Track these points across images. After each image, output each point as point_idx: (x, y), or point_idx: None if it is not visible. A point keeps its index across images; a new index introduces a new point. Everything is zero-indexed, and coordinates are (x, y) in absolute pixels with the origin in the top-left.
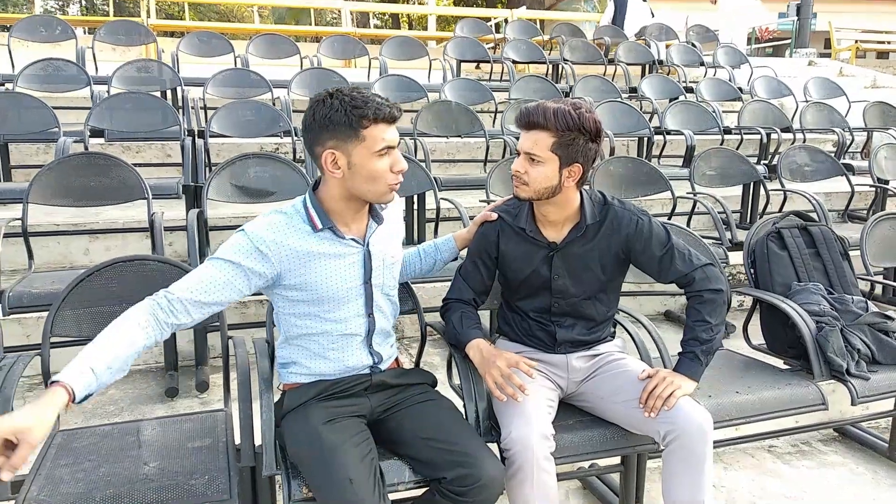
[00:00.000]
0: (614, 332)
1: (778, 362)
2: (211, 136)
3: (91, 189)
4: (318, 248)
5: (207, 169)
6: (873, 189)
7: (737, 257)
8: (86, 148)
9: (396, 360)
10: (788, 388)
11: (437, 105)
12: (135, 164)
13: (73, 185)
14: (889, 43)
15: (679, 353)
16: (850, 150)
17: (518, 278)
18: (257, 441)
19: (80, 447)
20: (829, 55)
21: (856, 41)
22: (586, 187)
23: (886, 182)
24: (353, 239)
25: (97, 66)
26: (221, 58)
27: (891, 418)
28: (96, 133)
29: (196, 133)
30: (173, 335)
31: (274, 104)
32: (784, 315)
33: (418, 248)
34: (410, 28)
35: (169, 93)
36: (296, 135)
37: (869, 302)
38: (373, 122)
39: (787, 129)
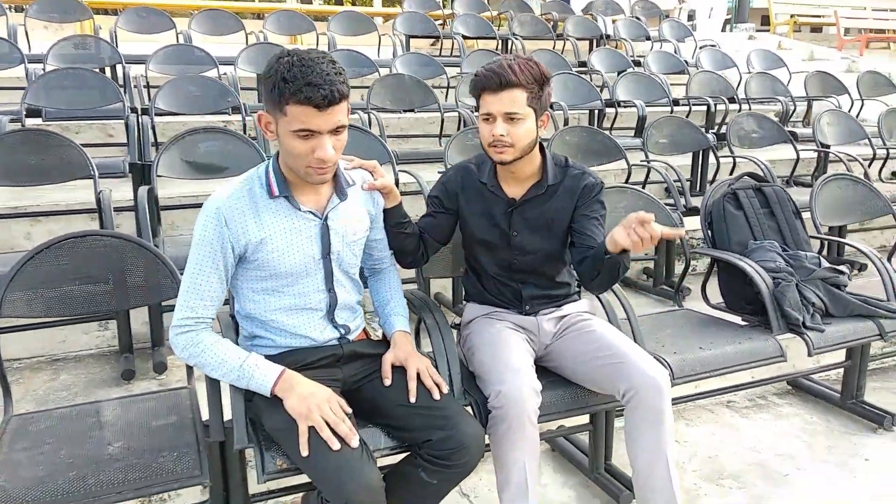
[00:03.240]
0: (580, 291)
1: (736, 319)
2: (156, 115)
3: (31, 168)
4: (274, 220)
5: (154, 147)
6: (815, 156)
7: (690, 223)
8: (23, 127)
9: (364, 331)
10: (749, 342)
11: (389, 78)
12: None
13: (11, 165)
14: (823, 17)
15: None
16: (791, 119)
17: (478, 234)
18: (226, 416)
19: (37, 430)
20: (766, 30)
21: (792, 16)
22: (548, 148)
23: (828, 147)
24: (310, 211)
25: (30, 44)
26: (162, 34)
27: (842, 369)
28: (33, 113)
29: (140, 111)
30: (127, 316)
31: (220, 80)
32: (742, 273)
33: (385, 295)
34: (354, 5)
35: (108, 70)
36: (245, 112)
37: (821, 258)
38: (293, 102)
39: (732, 100)
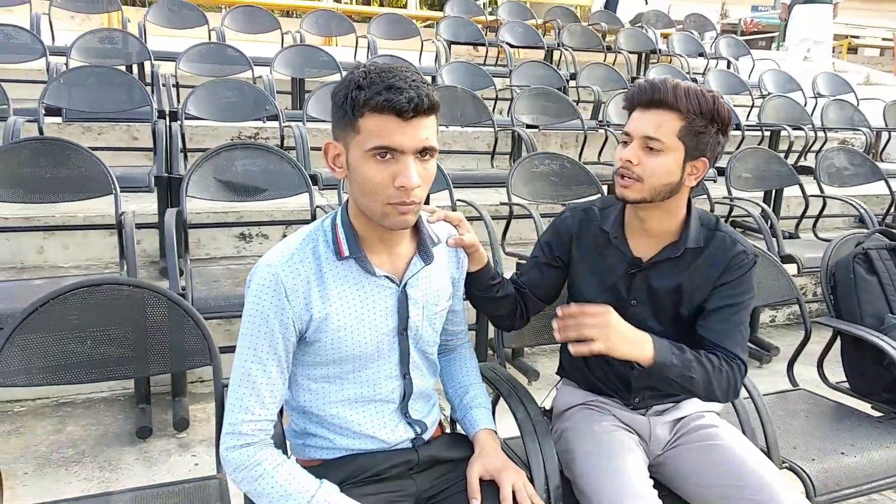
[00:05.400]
0: None
1: (865, 406)
2: (186, 119)
3: (46, 181)
4: (341, 289)
5: (183, 155)
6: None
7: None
8: (40, 129)
9: (440, 423)
10: None
11: (441, 91)
12: (97, 148)
13: (25, 176)
14: (860, 38)
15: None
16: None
17: (587, 296)
18: None
19: None
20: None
21: (848, 36)
22: (696, 203)
23: None
24: (386, 276)
25: (54, 35)
26: (193, 30)
27: None
28: (52, 111)
29: (168, 114)
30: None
31: (255, 83)
32: (876, 353)
33: (462, 380)
34: (382, 6)
35: (136, 68)
36: (283, 119)
37: None
38: (369, 110)
39: (798, 127)
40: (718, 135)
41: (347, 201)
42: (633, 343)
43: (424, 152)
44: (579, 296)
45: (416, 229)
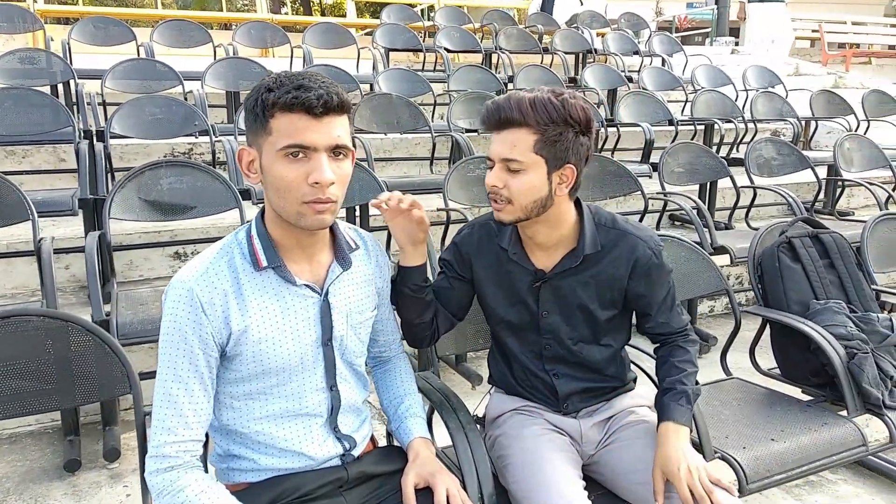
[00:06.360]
0: (635, 378)
1: (795, 391)
2: (112, 138)
3: None
4: (260, 300)
5: (109, 176)
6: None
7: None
8: None
9: (371, 437)
10: (825, 429)
11: (376, 98)
12: (22, 172)
13: None
14: (796, 30)
15: (665, 394)
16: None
17: (499, 311)
18: None
19: None
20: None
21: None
22: (589, 204)
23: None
24: (306, 285)
25: None
26: (121, 47)
27: None
28: None
29: (94, 134)
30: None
31: (186, 99)
32: (803, 339)
33: (397, 391)
34: (323, 15)
35: (60, 87)
36: (214, 134)
37: (894, 318)
38: (280, 110)
39: (728, 120)
40: (579, 136)
41: (263, 211)
42: (687, 444)
43: (338, 151)
44: (490, 310)
45: (334, 236)
